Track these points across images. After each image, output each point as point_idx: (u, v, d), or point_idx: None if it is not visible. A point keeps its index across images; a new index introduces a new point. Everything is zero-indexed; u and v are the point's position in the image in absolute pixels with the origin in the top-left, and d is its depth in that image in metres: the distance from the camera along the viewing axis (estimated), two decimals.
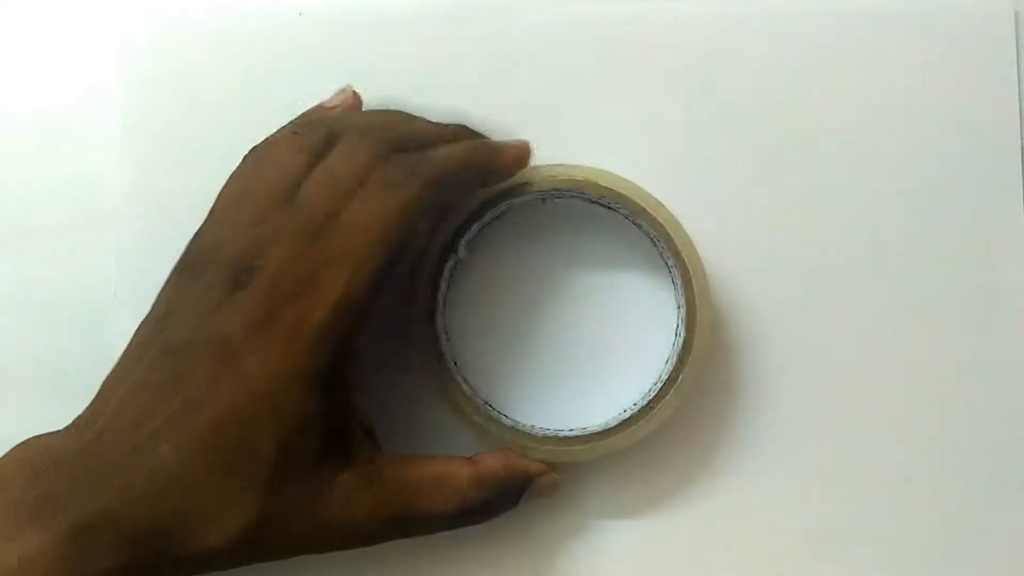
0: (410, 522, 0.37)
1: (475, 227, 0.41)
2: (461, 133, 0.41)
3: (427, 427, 0.42)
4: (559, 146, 0.43)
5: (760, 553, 0.42)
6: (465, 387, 0.40)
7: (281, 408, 0.34)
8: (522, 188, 0.40)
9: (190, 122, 0.44)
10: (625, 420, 0.40)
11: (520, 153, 0.40)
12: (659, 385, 0.40)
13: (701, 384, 0.41)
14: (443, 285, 0.41)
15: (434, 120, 0.40)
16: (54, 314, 0.43)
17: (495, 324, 0.43)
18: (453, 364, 0.40)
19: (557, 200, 0.43)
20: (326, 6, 0.44)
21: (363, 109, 0.42)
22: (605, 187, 0.40)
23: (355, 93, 0.42)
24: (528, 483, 0.39)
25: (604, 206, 0.42)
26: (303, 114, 0.41)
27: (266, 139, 0.40)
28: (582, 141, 0.44)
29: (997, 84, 0.43)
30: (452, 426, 0.41)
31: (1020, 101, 0.43)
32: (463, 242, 0.41)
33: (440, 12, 0.43)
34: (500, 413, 0.40)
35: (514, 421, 0.40)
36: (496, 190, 0.40)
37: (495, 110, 0.43)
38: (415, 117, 0.41)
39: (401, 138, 0.38)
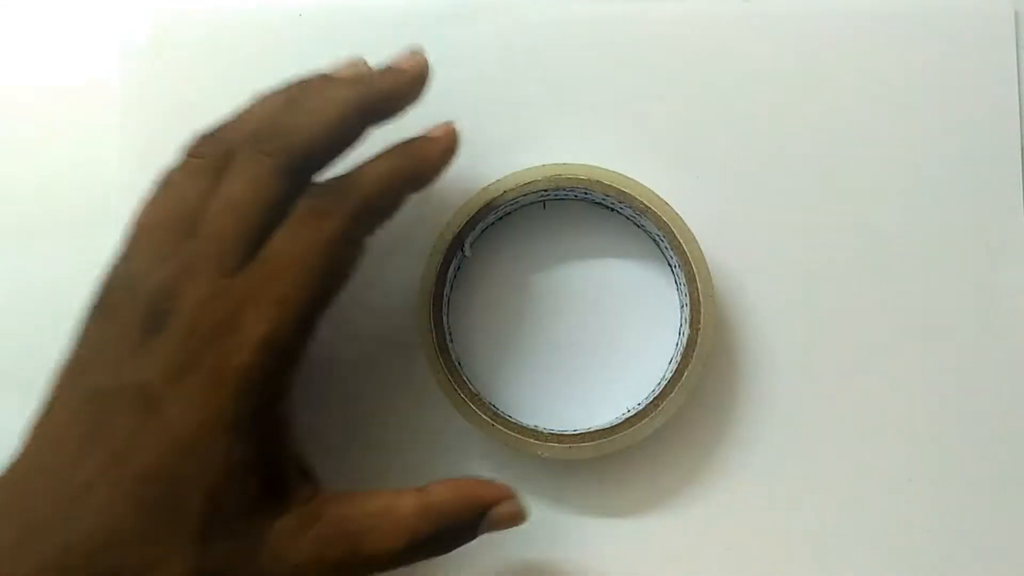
0: (357, 564, 0.34)
1: (479, 227, 0.41)
2: (345, 112, 0.36)
3: (431, 428, 0.42)
4: (560, 146, 0.43)
5: (761, 552, 0.42)
6: (470, 387, 0.40)
7: (206, 458, 0.32)
8: (526, 187, 0.40)
9: (190, 122, 0.43)
10: (629, 419, 0.39)
11: (445, 145, 0.37)
12: (663, 384, 0.40)
13: (705, 383, 0.42)
14: (447, 285, 0.41)
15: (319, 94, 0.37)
16: (54, 314, 0.43)
17: (499, 324, 0.43)
18: (458, 364, 0.40)
19: (560, 200, 0.43)
20: (326, 6, 0.44)
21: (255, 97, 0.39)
22: (609, 185, 0.40)
23: (368, 67, 0.39)
24: (482, 513, 0.36)
25: (607, 206, 0.42)
26: (201, 132, 0.38)
27: (170, 166, 0.38)
28: (582, 141, 0.44)
29: (997, 84, 0.43)
30: (457, 426, 0.41)
31: (1020, 101, 0.43)
32: (467, 242, 0.41)
33: (440, 12, 0.43)
34: (504, 413, 0.40)
35: (519, 420, 0.40)
36: (500, 190, 0.40)
37: (495, 110, 0.44)
38: (304, 97, 0.37)
39: (293, 143, 0.35)
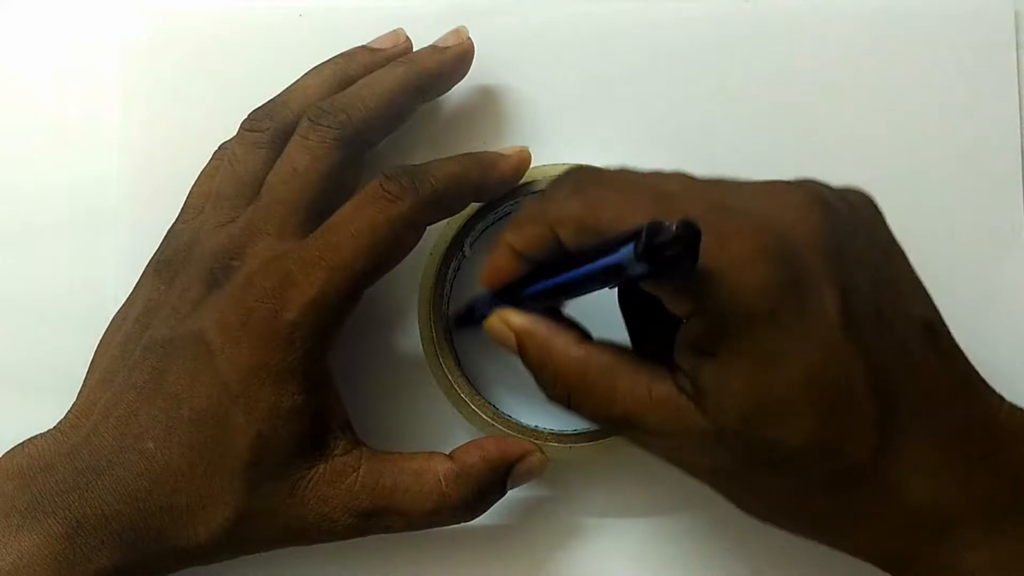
0: (388, 518, 0.36)
1: (480, 226, 0.41)
2: (400, 89, 0.40)
3: (432, 428, 0.42)
4: (559, 146, 0.43)
5: (761, 552, 0.42)
6: (470, 387, 0.40)
7: (253, 405, 0.35)
8: (525, 188, 0.40)
9: (190, 122, 0.44)
10: None
11: (517, 165, 0.39)
12: None
13: None
14: (447, 285, 0.41)
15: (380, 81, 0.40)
16: (54, 314, 0.43)
17: None
18: (458, 364, 0.40)
19: None
20: (326, 7, 0.44)
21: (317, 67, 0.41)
22: None
23: (407, 38, 0.42)
24: (508, 470, 0.38)
25: None
26: (256, 109, 0.41)
27: (232, 138, 0.40)
28: (583, 141, 0.44)
29: (997, 84, 0.43)
30: (456, 425, 0.41)
31: (1020, 101, 0.43)
32: (468, 241, 0.41)
33: (440, 13, 0.43)
34: (504, 413, 0.40)
35: (519, 420, 0.40)
36: None
37: (495, 110, 0.44)
38: (356, 73, 0.40)
39: (352, 118, 0.38)
